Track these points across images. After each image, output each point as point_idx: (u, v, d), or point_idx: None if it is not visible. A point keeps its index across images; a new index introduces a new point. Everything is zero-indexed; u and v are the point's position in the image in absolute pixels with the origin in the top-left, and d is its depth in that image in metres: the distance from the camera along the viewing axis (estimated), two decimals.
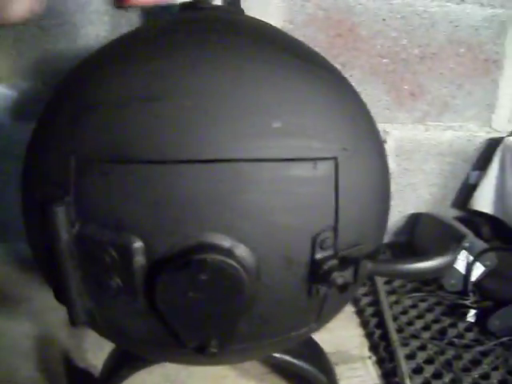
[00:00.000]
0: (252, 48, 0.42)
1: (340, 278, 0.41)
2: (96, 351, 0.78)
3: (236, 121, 0.38)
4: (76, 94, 0.42)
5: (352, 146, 0.42)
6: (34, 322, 0.88)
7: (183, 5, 0.63)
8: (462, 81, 0.96)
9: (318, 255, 0.41)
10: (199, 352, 0.42)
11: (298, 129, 0.40)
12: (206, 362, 0.48)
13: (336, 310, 0.51)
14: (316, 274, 0.42)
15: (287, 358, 0.62)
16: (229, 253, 0.38)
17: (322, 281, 0.42)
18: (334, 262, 0.42)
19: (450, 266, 0.45)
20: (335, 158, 0.41)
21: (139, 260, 0.39)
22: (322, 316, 0.48)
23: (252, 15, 0.69)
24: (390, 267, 0.44)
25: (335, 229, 0.42)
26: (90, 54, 0.49)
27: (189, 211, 0.38)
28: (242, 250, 0.39)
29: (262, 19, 0.67)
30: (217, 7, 0.60)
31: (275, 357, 0.61)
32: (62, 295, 0.44)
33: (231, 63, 0.40)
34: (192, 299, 0.39)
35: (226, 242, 0.38)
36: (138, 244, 0.39)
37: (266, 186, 0.39)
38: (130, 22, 0.84)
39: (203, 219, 0.38)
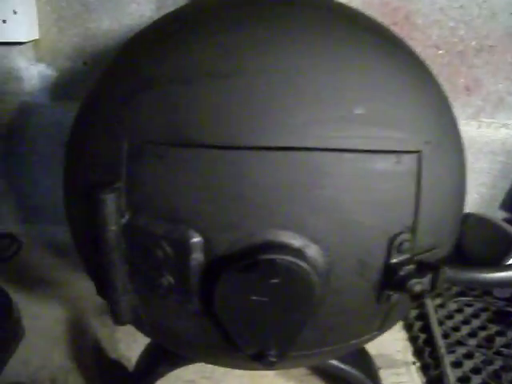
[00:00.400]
0: (333, 25, 0.37)
1: (418, 285, 0.35)
2: (130, 342, 0.75)
3: (314, 105, 0.33)
4: (129, 69, 0.37)
5: (436, 139, 0.37)
6: (67, 307, 0.85)
7: None
8: None
9: (394, 259, 0.36)
10: (256, 360, 0.37)
11: (382, 117, 0.34)
12: (259, 368, 0.43)
13: (400, 318, 0.45)
14: (390, 279, 0.36)
15: (334, 362, 0.57)
16: (299, 253, 0.33)
17: (397, 288, 0.36)
18: (411, 267, 0.36)
19: None
20: (419, 152, 0.35)
21: (197, 257, 0.34)
22: (386, 324, 0.43)
23: None
24: (473, 276, 0.38)
25: (414, 230, 0.36)
26: (143, 29, 0.43)
27: (256, 204, 0.33)
28: (313, 251, 0.33)
29: None
30: None
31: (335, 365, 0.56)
32: (105, 291, 0.39)
33: (310, 40, 0.35)
34: (254, 304, 0.34)
35: (296, 241, 0.33)
36: (196, 239, 0.34)
37: (344, 179, 0.33)
38: (176, 2, 0.79)
39: (272, 214, 0.33)
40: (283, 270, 0.32)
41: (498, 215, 1.00)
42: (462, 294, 0.88)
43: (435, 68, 0.84)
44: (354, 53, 0.35)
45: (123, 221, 0.35)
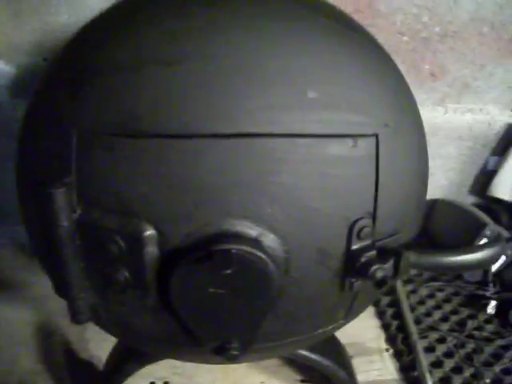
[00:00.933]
0: (284, 6, 0.36)
1: (380, 271, 0.35)
2: (99, 341, 0.73)
3: (266, 90, 0.32)
4: (76, 60, 0.36)
5: (394, 122, 0.36)
6: (34, 309, 0.83)
7: None
8: (484, 61, 0.89)
9: (355, 246, 0.35)
10: (218, 354, 0.36)
11: (337, 100, 0.33)
12: (223, 362, 0.42)
13: (366, 305, 0.45)
14: (352, 266, 0.36)
15: (305, 353, 0.57)
16: (256, 243, 0.32)
17: (359, 274, 0.36)
18: (373, 253, 0.36)
19: (498, 258, 0.39)
20: (376, 135, 0.35)
21: (151, 250, 0.33)
22: (352, 312, 0.42)
23: None
24: (436, 260, 0.37)
25: (374, 216, 0.36)
26: (89, 20, 0.42)
27: (210, 194, 0.32)
28: (270, 240, 0.33)
29: None
30: None
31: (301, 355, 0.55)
32: (62, 289, 0.38)
33: (260, 23, 0.34)
34: (212, 296, 0.33)
35: (252, 231, 0.32)
36: (149, 232, 0.32)
37: (300, 165, 0.32)
38: None
39: (226, 203, 0.32)
40: (238, 260, 0.31)
41: (468, 200, 1.01)
42: (433, 279, 0.89)
43: (400, 55, 0.84)
44: (306, 37, 0.34)
45: (75, 216, 0.33)
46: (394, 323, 0.80)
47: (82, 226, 0.34)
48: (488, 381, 0.69)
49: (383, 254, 0.36)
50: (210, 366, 0.70)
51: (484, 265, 0.41)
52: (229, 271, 0.30)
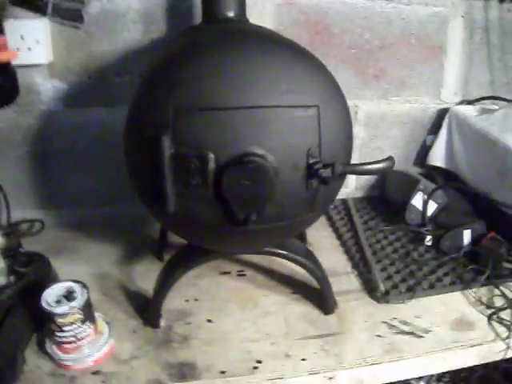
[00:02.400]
0: (263, 45, 0.85)
1: (323, 173, 0.81)
2: (145, 279, 1.18)
3: (262, 86, 0.79)
4: (168, 72, 0.83)
5: (327, 100, 0.83)
6: (89, 264, 1.27)
7: (207, 17, 1.04)
8: (415, 64, 1.39)
9: (311, 161, 0.82)
10: (245, 221, 0.82)
11: (296, 90, 0.81)
12: (245, 238, 0.88)
13: (324, 203, 0.91)
14: (310, 172, 0.82)
15: (292, 254, 1.02)
16: (262, 156, 0.79)
17: (313, 176, 0.82)
18: (320, 165, 0.82)
19: (387, 168, 0.86)
20: (318, 106, 0.82)
21: (212, 165, 0.79)
22: (315, 206, 0.88)
23: (253, 21, 1.11)
24: (352, 167, 0.84)
25: (320, 146, 0.82)
26: (170, 49, 0.89)
27: (239, 135, 0.78)
28: (269, 156, 0.79)
29: (260, 24, 1.08)
30: (231, 18, 1.01)
31: (286, 254, 1.01)
32: (160, 196, 0.82)
33: (256, 54, 0.82)
34: (242, 185, 0.79)
35: (261, 151, 0.79)
36: (211, 155, 0.78)
37: (281, 120, 0.80)
38: (158, 28, 1.24)
39: (247, 139, 0.79)
40: (255, 164, 0.77)
41: (413, 170, 1.49)
42: (386, 226, 1.37)
43: (350, 63, 1.34)
44: (278, 58, 0.82)
45: (172, 150, 0.79)
46: (357, 255, 1.27)
47: (175, 156, 0.79)
48: (425, 287, 1.15)
49: (325, 165, 0.82)
50: (227, 288, 1.16)
51: (379, 171, 0.87)
52: (250, 169, 0.76)
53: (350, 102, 1.35)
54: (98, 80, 1.29)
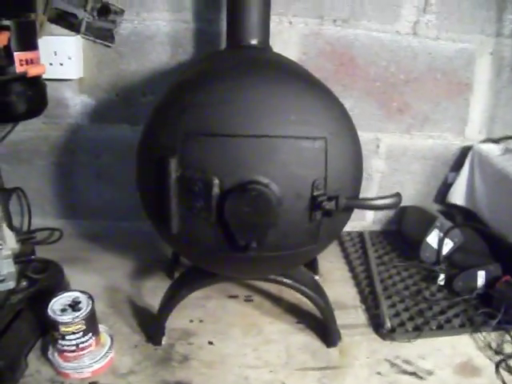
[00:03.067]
0: (277, 75, 0.86)
1: (327, 205, 0.81)
2: (153, 296, 1.19)
3: (271, 115, 0.80)
4: (180, 97, 0.84)
5: (336, 132, 0.83)
6: (101, 276, 1.29)
7: (230, 43, 1.06)
8: (440, 100, 1.37)
9: (315, 193, 0.82)
10: (245, 248, 0.82)
11: (305, 121, 0.81)
12: (246, 265, 0.88)
13: (328, 236, 0.90)
14: (313, 204, 0.82)
15: (298, 284, 1.02)
16: (266, 185, 0.79)
17: (317, 208, 0.82)
18: (324, 197, 0.82)
19: (394, 205, 0.85)
20: (325, 138, 0.82)
21: (215, 190, 0.80)
22: (319, 238, 0.88)
23: (277, 50, 1.12)
24: (357, 201, 0.84)
25: (325, 179, 0.82)
26: (184, 74, 0.91)
27: (246, 163, 0.79)
28: (273, 185, 0.80)
29: (284, 53, 1.09)
30: (253, 46, 1.03)
31: (291, 283, 1.01)
32: (164, 217, 0.84)
33: (268, 84, 0.82)
34: (244, 212, 0.79)
35: (265, 180, 0.79)
36: (216, 181, 0.79)
37: (287, 151, 0.80)
38: (185, 51, 1.27)
39: (253, 167, 0.79)
40: (258, 192, 0.78)
41: (432, 207, 1.47)
42: (400, 262, 1.35)
43: (374, 95, 1.34)
44: (292, 89, 0.83)
45: (178, 173, 0.80)
46: (367, 289, 1.25)
47: (180, 178, 0.81)
48: (433, 327, 1.12)
49: (330, 198, 0.82)
50: (233, 312, 1.16)
51: (384, 207, 0.86)
52: (253, 197, 0.77)
53: (371, 135, 1.38)
54: (124, 98, 1.32)
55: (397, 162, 1.43)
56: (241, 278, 1.16)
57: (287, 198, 0.81)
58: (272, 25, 1.22)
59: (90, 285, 1.23)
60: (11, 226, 1.14)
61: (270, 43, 1.12)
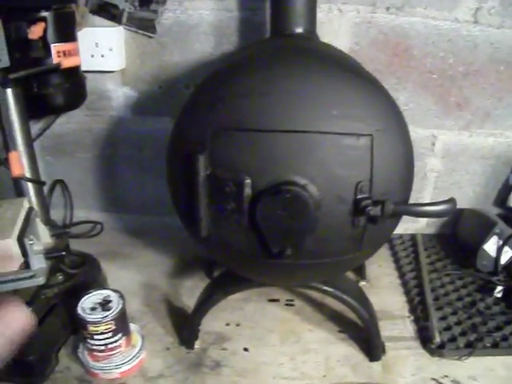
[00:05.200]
0: (320, 65, 0.74)
1: (371, 211, 0.70)
2: (190, 296, 1.11)
3: (312, 109, 0.69)
4: (213, 89, 0.75)
5: (383, 129, 0.72)
6: (139, 273, 1.23)
7: (274, 32, 0.96)
8: (502, 94, 1.21)
9: (359, 196, 0.71)
10: (279, 255, 0.72)
11: (348, 116, 0.70)
12: (281, 272, 0.78)
13: (372, 243, 0.79)
14: (357, 208, 0.71)
15: (339, 292, 0.91)
16: (303, 187, 0.69)
17: (360, 213, 0.71)
18: (369, 201, 0.71)
19: (446, 213, 0.72)
20: (371, 135, 0.70)
21: (247, 190, 0.70)
22: (362, 246, 0.77)
23: (327, 40, 1.01)
24: (406, 207, 0.72)
25: (371, 181, 0.71)
26: (219, 66, 0.82)
27: (280, 161, 0.69)
28: (311, 187, 0.69)
29: (334, 43, 0.98)
30: (299, 34, 0.92)
31: (331, 291, 0.90)
32: (193, 218, 0.75)
33: (308, 75, 0.71)
34: (278, 216, 0.69)
35: (302, 181, 0.69)
36: (247, 180, 0.70)
37: (329, 149, 0.69)
38: (229, 41, 1.17)
39: (289, 166, 0.69)
40: (293, 195, 0.67)
41: (492, 211, 1.31)
42: (455, 270, 1.21)
43: (430, 89, 1.20)
44: (334, 81, 0.72)
45: (207, 171, 0.71)
46: (417, 299, 1.12)
47: (210, 177, 0.72)
48: (488, 344, 0.98)
49: (375, 202, 0.71)
50: (272, 316, 1.07)
51: (437, 215, 0.74)
52: (288, 200, 0.67)
53: (427, 132, 1.24)
54: (167, 90, 1.24)
55: (454, 161, 1.28)
56: (276, 285, 1.06)
57: (327, 202, 0.71)
58: (321, 13, 1.12)
59: (127, 281, 1.18)
60: (48, 220, 1.09)
61: (320, 33, 1.01)
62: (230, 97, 0.72)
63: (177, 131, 0.80)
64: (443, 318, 1.05)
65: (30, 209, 1.00)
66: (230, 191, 0.71)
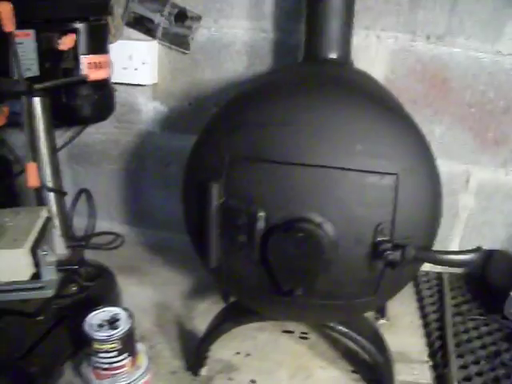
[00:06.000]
0: (348, 95, 0.69)
1: (390, 255, 0.64)
2: (202, 320, 1.06)
3: (335, 143, 0.65)
4: (233, 114, 0.71)
5: (410, 167, 0.66)
6: (155, 291, 1.20)
7: (307, 56, 0.92)
8: None
9: (378, 239, 0.65)
10: (289, 294, 0.67)
11: (373, 152, 0.65)
12: (292, 310, 0.73)
13: (390, 288, 0.73)
14: (375, 251, 0.65)
15: (354, 334, 0.85)
16: (319, 225, 0.64)
17: (379, 257, 0.65)
18: (389, 245, 0.65)
19: (471, 263, 0.66)
20: (397, 174, 0.65)
21: (260, 224, 0.66)
22: (380, 290, 0.71)
23: (362, 67, 0.96)
24: (428, 254, 0.66)
25: (392, 223, 0.66)
26: (243, 89, 0.78)
27: (297, 196, 0.65)
28: (328, 226, 0.64)
29: (370, 70, 0.93)
30: (331, 60, 0.87)
31: (345, 331, 0.85)
32: (204, 246, 0.71)
33: (334, 106, 0.67)
34: (290, 254, 0.64)
35: (318, 219, 0.64)
36: (261, 213, 0.65)
37: (349, 186, 0.64)
38: (262, 62, 1.14)
39: (306, 202, 0.64)
40: (308, 233, 0.63)
41: None
42: (481, 315, 1.13)
43: (467, 123, 1.12)
44: (360, 113, 0.67)
45: (221, 201, 0.67)
46: (437, 343, 1.05)
47: (224, 207, 0.68)
48: None
49: (395, 246, 0.65)
50: (284, 350, 1.01)
51: (461, 265, 0.68)
52: (302, 238, 0.62)
53: (461, 167, 1.17)
54: (196, 107, 1.22)
55: (488, 199, 1.20)
56: (287, 321, 1.01)
57: (343, 242, 0.66)
58: (358, 39, 1.07)
59: (141, 298, 1.15)
60: (68, 230, 1.07)
61: (355, 60, 0.97)
62: (249, 124, 0.68)
63: (193, 156, 0.76)
64: (464, 367, 0.98)
65: (48, 219, 0.99)
66: (243, 223, 0.67)
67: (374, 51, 1.11)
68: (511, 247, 1.23)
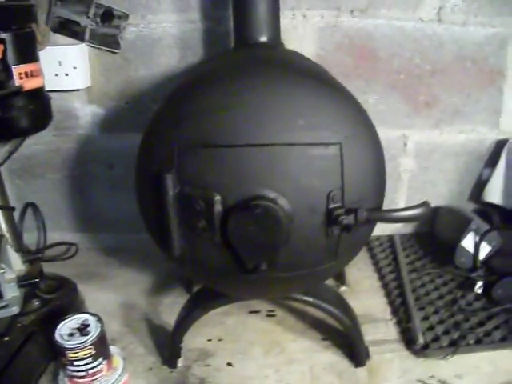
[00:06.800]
0: (284, 74, 0.73)
1: (345, 220, 0.69)
2: (170, 313, 1.08)
3: (277, 121, 0.68)
4: (176, 106, 0.74)
5: (351, 135, 0.71)
6: (118, 293, 1.21)
7: (238, 42, 0.95)
8: (470, 90, 1.22)
9: (331, 206, 0.70)
10: (254, 270, 0.71)
11: (315, 125, 0.69)
12: (258, 286, 0.77)
13: (348, 252, 0.78)
14: (329, 218, 0.70)
15: (319, 301, 0.90)
16: (274, 200, 0.67)
17: (334, 223, 0.70)
18: (341, 210, 0.70)
19: (420, 217, 0.72)
20: (340, 143, 0.70)
21: (217, 207, 0.69)
22: (338, 255, 0.76)
23: (293, 47, 1.00)
24: (379, 214, 0.71)
25: (342, 189, 0.70)
26: (182, 80, 0.80)
27: (249, 175, 0.68)
28: (282, 200, 0.68)
29: (300, 49, 0.97)
30: (263, 43, 0.91)
31: (311, 301, 0.89)
32: (165, 237, 0.73)
33: (272, 85, 0.70)
34: (250, 231, 0.68)
35: (272, 194, 0.68)
36: (217, 197, 0.68)
37: (296, 160, 0.68)
38: (194, 53, 1.16)
39: (258, 180, 0.68)
40: (264, 209, 0.66)
41: (468, 207, 1.32)
42: (434, 268, 1.21)
43: (398, 89, 1.19)
44: (299, 89, 0.71)
45: (176, 190, 0.70)
46: (398, 300, 1.12)
47: (180, 195, 0.70)
48: (471, 342, 0.98)
49: (348, 211, 0.70)
50: (254, 328, 1.05)
51: (411, 219, 0.73)
52: (259, 214, 0.66)
53: (398, 132, 1.24)
54: (134, 105, 1.23)
55: (427, 159, 1.28)
56: (255, 298, 1.05)
57: (299, 214, 0.70)
58: (285, 20, 1.12)
59: (105, 302, 1.16)
60: (20, 246, 1.06)
61: (285, 40, 1.01)
62: (193, 113, 0.71)
63: (143, 151, 0.78)
64: (426, 318, 1.05)
65: (0, 236, 0.98)
66: (200, 209, 0.70)
67: (301, 30, 1.15)
68: (454, 202, 1.32)
